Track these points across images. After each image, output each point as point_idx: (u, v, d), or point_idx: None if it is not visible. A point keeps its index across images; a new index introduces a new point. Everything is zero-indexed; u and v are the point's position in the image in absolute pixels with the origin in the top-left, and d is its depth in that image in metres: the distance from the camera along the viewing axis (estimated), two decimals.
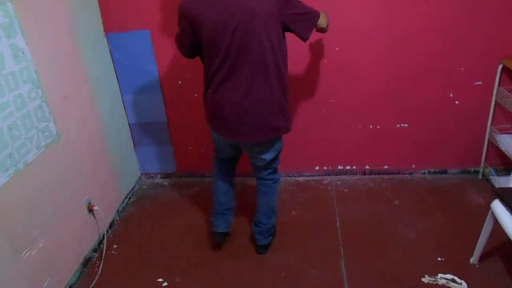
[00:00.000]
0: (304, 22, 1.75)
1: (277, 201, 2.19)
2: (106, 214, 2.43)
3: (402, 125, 2.67)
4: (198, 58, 1.91)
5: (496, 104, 2.51)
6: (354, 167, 2.86)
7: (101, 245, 2.37)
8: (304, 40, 1.79)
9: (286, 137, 2.77)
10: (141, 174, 3.03)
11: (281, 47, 1.73)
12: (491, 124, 2.57)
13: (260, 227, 2.17)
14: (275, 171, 2.10)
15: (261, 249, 2.23)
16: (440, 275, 2.01)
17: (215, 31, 1.64)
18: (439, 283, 1.96)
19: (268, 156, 1.97)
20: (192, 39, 1.75)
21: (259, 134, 1.84)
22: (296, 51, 2.48)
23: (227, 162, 2.18)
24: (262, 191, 2.13)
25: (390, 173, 2.85)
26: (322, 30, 1.92)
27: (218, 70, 1.73)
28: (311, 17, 1.77)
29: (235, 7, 1.60)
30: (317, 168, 2.88)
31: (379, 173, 2.85)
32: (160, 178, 3.03)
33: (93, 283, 2.11)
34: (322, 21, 1.82)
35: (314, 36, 2.03)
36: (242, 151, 2.08)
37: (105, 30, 2.51)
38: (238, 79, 1.72)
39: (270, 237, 2.24)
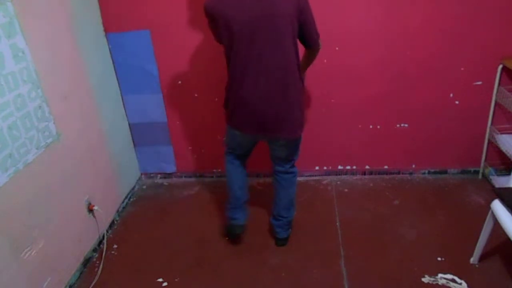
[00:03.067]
0: (313, 31, 1.87)
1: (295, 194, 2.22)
2: (106, 214, 2.43)
3: (402, 125, 2.67)
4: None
5: (496, 104, 2.51)
6: (354, 167, 2.86)
7: (101, 245, 2.37)
8: (308, 44, 1.89)
9: None
10: (141, 174, 3.03)
11: (296, 46, 1.81)
12: (491, 124, 2.57)
13: (281, 220, 2.21)
14: (294, 164, 2.14)
15: (282, 241, 2.27)
16: (440, 275, 2.01)
17: (241, 28, 1.71)
18: (439, 283, 1.96)
19: (292, 149, 2.04)
20: (222, 34, 1.80)
21: (292, 130, 1.92)
22: None
23: (242, 157, 2.20)
24: (283, 185, 2.16)
25: (390, 173, 2.85)
26: (312, 55, 1.99)
27: (245, 67, 1.78)
28: (316, 31, 1.89)
29: (257, 7, 1.68)
30: (317, 168, 2.88)
31: (379, 173, 2.85)
32: (160, 178, 3.03)
33: (93, 283, 2.11)
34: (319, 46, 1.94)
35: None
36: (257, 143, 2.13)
37: (105, 30, 2.51)
38: (266, 76, 1.78)
39: (290, 230, 2.28)
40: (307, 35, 1.84)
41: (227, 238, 2.35)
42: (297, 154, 2.12)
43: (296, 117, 1.90)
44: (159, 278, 2.13)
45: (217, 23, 1.77)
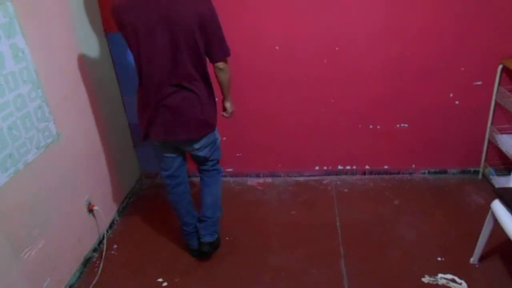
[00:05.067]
0: (220, 45, 1.80)
1: (221, 195, 2.18)
2: (106, 214, 2.43)
3: (402, 125, 2.67)
4: None
5: (496, 104, 2.51)
6: (354, 167, 2.86)
7: (101, 245, 2.37)
8: (214, 60, 1.83)
9: (286, 138, 2.78)
10: (141, 174, 3.03)
11: (200, 54, 1.77)
12: (491, 124, 2.57)
13: (205, 221, 2.13)
14: (217, 162, 2.12)
15: (205, 246, 2.15)
16: (440, 275, 2.01)
17: (141, 36, 1.68)
18: (439, 283, 1.96)
19: (203, 153, 2.00)
20: (126, 41, 1.77)
21: (191, 131, 1.88)
22: (296, 51, 2.48)
23: (179, 178, 2.10)
24: (207, 182, 2.12)
25: (390, 173, 2.85)
26: (224, 77, 1.92)
27: (148, 76, 1.77)
28: (225, 46, 1.82)
29: (159, 14, 1.64)
30: (317, 168, 2.88)
31: (379, 173, 2.85)
32: (160, 178, 3.02)
33: (93, 283, 2.11)
34: (223, 66, 1.86)
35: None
36: (184, 155, 2.09)
37: (105, 30, 2.50)
38: (166, 83, 1.77)
39: (216, 235, 2.19)
40: (210, 50, 1.79)
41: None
42: (215, 155, 2.07)
43: (192, 122, 1.85)
44: (159, 278, 2.12)
45: (123, 28, 1.74)
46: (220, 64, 1.84)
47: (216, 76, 1.90)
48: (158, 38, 1.68)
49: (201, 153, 1.99)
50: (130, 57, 2.61)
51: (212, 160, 2.09)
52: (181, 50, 1.70)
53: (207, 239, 2.15)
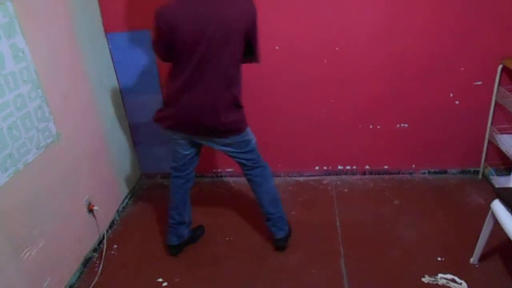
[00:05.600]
0: (258, 50, 1.90)
1: (275, 187, 2.18)
2: (106, 214, 2.43)
3: (402, 125, 2.67)
4: None
5: (496, 104, 2.51)
6: (354, 167, 2.86)
7: (101, 245, 2.37)
8: (251, 62, 1.92)
9: (286, 138, 2.78)
10: (141, 174, 3.03)
11: (239, 62, 1.86)
12: (491, 124, 2.57)
13: (271, 218, 2.16)
14: (259, 159, 2.11)
15: (280, 242, 2.20)
16: (440, 275, 2.01)
17: (190, 39, 1.71)
18: (439, 283, 1.96)
19: (238, 149, 2.02)
20: (167, 44, 1.79)
21: (225, 132, 1.93)
22: (296, 51, 2.48)
23: (181, 172, 2.14)
24: (257, 183, 2.12)
25: (390, 173, 2.85)
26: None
27: (190, 76, 1.79)
28: (259, 53, 1.91)
29: (210, 18, 1.68)
30: (317, 168, 2.88)
31: (379, 173, 2.85)
32: (160, 178, 3.03)
33: (93, 283, 2.11)
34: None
35: None
36: (200, 151, 2.12)
37: (105, 30, 2.51)
38: (206, 84, 1.80)
39: (287, 227, 2.21)
40: (251, 53, 1.87)
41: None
42: (251, 149, 2.06)
43: (221, 124, 1.88)
44: (159, 278, 2.13)
45: (166, 34, 1.75)
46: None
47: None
48: (207, 38, 1.71)
49: (229, 149, 2.00)
50: (130, 57, 2.64)
51: (252, 159, 2.07)
52: (226, 50, 1.75)
53: (280, 235, 2.19)
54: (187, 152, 2.06)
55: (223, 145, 1.98)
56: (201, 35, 1.70)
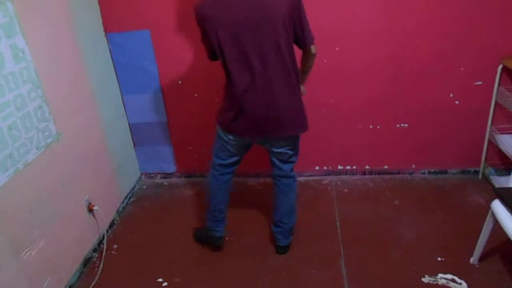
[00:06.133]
0: (309, 30, 1.80)
1: (296, 200, 2.18)
2: (106, 214, 2.43)
3: (402, 125, 2.67)
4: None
5: (496, 104, 2.51)
6: (354, 167, 2.86)
7: (101, 245, 2.37)
8: (306, 45, 1.81)
9: None
10: (141, 174, 3.03)
11: (292, 48, 1.77)
12: (491, 124, 2.57)
13: (282, 227, 2.17)
14: (293, 167, 2.10)
15: (282, 249, 2.22)
16: (440, 275, 2.01)
17: (230, 31, 1.66)
18: (439, 283, 1.96)
19: (292, 149, 2.00)
20: (212, 42, 1.74)
21: (291, 128, 1.88)
22: (296, 51, 2.48)
23: (229, 168, 2.13)
24: (283, 191, 2.12)
25: (390, 173, 2.85)
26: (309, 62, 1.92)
27: (242, 72, 1.74)
28: (310, 33, 1.81)
29: (250, 9, 1.63)
30: (317, 168, 2.88)
31: (379, 173, 2.85)
32: (160, 178, 3.03)
33: (93, 283, 2.11)
34: (315, 48, 1.85)
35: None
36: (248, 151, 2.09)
37: (105, 30, 2.51)
38: (261, 79, 1.74)
39: (291, 237, 2.24)
40: (301, 36, 1.77)
41: (199, 244, 2.33)
42: (296, 156, 2.07)
43: (294, 117, 1.86)
44: (159, 278, 2.13)
45: (207, 30, 1.71)
46: (313, 48, 1.84)
47: (305, 62, 1.90)
48: (253, 33, 1.66)
49: (283, 150, 1.97)
50: (130, 57, 2.64)
51: (291, 163, 2.06)
52: (273, 39, 1.68)
53: (283, 243, 2.21)
54: (242, 153, 2.07)
55: (281, 147, 1.95)
56: (241, 25, 1.64)
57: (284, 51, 1.71)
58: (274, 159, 2.06)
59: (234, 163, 2.12)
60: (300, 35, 1.77)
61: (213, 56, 1.83)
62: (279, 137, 1.91)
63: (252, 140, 1.98)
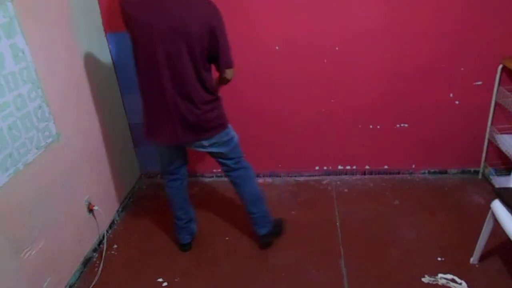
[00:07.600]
0: (228, 54, 1.82)
1: (258, 186, 2.17)
2: (106, 214, 2.43)
3: (402, 125, 2.67)
4: None
5: (496, 104, 2.51)
6: (354, 167, 2.86)
7: (101, 245, 2.37)
8: (222, 68, 1.84)
9: (286, 138, 2.78)
10: (141, 174, 3.03)
11: (204, 63, 1.78)
12: (491, 124, 2.57)
13: (253, 217, 2.17)
14: (240, 160, 2.10)
15: (263, 238, 2.22)
16: (440, 275, 2.01)
17: (150, 38, 1.69)
18: (439, 283, 1.96)
19: (223, 149, 2.00)
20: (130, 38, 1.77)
21: (204, 133, 1.91)
22: (296, 51, 2.48)
23: (175, 175, 2.15)
24: (237, 183, 2.13)
25: (390, 173, 2.85)
26: (225, 80, 1.93)
27: (152, 78, 1.77)
28: (229, 56, 1.83)
29: (167, 16, 1.65)
30: (317, 168, 2.88)
31: (379, 173, 2.85)
32: (160, 178, 3.02)
33: (93, 283, 2.11)
34: (231, 73, 1.89)
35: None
36: (186, 152, 2.13)
37: (105, 30, 2.51)
38: (168, 89, 1.77)
39: (269, 225, 2.21)
40: (217, 57, 1.79)
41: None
42: (235, 151, 2.05)
43: (202, 123, 1.86)
44: (159, 278, 2.13)
45: (129, 25, 1.74)
46: (229, 73, 1.86)
47: (219, 80, 1.92)
48: (165, 45, 1.68)
49: (214, 149, 1.99)
50: (130, 57, 2.62)
51: (232, 159, 2.06)
52: (187, 57, 1.71)
53: (261, 231, 2.21)
54: (176, 156, 2.09)
55: (209, 146, 1.96)
56: (157, 31, 1.66)
57: (193, 65, 1.73)
58: (215, 158, 2.08)
59: (176, 168, 2.13)
60: (216, 56, 1.79)
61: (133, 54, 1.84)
62: (195, 142, 1.93)
63: (173, 146, 2.01)
